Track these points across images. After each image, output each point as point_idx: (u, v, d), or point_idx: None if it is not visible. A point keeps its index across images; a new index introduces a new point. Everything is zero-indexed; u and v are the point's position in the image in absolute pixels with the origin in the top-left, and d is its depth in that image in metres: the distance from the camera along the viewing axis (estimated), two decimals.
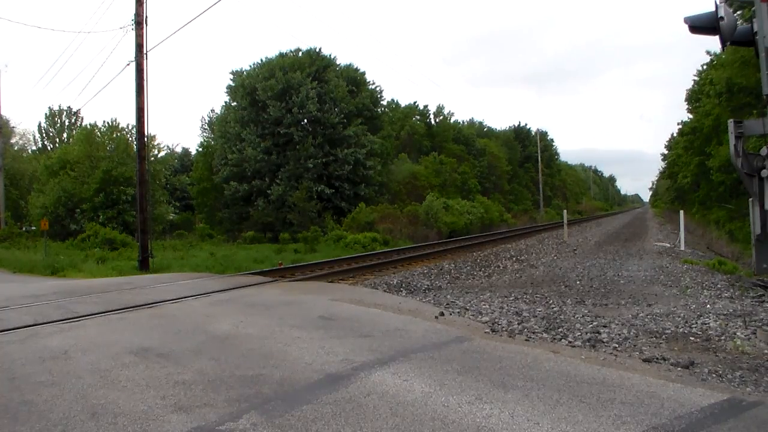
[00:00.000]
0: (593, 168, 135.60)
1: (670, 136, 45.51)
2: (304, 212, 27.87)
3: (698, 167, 28.49)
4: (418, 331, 6.04)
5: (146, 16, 14.89)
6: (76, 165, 28.01)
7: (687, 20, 5.44)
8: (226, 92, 34.62)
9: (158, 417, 3.62)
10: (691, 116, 32.45)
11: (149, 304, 8.22)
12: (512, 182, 59.40)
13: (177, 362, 4.91)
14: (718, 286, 10.11)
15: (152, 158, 27.86)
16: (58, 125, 49.67)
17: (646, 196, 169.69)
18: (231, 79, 34.24)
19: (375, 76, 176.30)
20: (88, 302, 8.54)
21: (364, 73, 35.20)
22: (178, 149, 51.49)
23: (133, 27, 14.96)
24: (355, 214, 27.51)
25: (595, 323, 6.75)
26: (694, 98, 31.13)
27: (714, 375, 4.64)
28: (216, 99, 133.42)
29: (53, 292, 9.79)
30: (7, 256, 18.90)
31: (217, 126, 36.33)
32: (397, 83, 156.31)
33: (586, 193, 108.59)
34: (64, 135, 48.72)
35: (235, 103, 33.57)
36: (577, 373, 4.45)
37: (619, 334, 6.13)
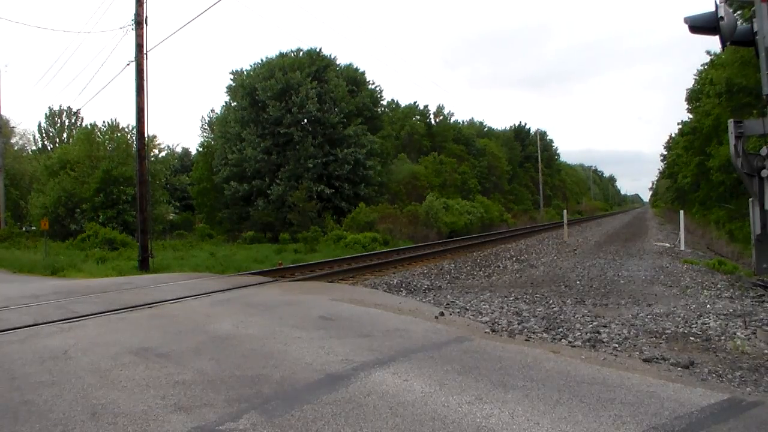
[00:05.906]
0: (593, 168, 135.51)
1: (669, 137, 45.59)
2: (304, 212, 27.86)
3: (698, 167, 28.50)
4: (418, 331, 6.04)
5: (146, 16, 14.88)
6: (76, 165, 27.98)
7: (687, 20, 5.45)
8: (226, 92, 34.75)
9: (158, 417, 3.62)
10: (691, 116, 32.45)
11: (149, 304, 8.22)
12: (512, 182, 59.43)
13: (177, 362, 4.91)
14: (718, 286, 10.11)
15: (152, 158, 27.85)
16: (58, 125, 49.71)
17: (646, 196, 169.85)
18: (231, 79, 34.37)
19: (375, 76, 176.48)
20: (88, 302, 8.54)
21: (364, 73, 35.24)
22: (178, 149, 51.57)
23: (133, 27, 14.95)
24: (355, 214, 27.48)
25: (595, 323, 6.75)
26: (694, 98, 31.11)
27: (714, 375, 4.64)
28: (216, 99, 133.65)
29: (53, 292, 9.79)
30: (7, 256, 18.88)
31: (217, 126, 36.35)
32: (398, 83, 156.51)
33: (586, 193, 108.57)
34: (64, 135, 48.74)
35: (235, 103, 33.59)
36: (577, 373, 4.45)
37: (619, 334, 6.13)
